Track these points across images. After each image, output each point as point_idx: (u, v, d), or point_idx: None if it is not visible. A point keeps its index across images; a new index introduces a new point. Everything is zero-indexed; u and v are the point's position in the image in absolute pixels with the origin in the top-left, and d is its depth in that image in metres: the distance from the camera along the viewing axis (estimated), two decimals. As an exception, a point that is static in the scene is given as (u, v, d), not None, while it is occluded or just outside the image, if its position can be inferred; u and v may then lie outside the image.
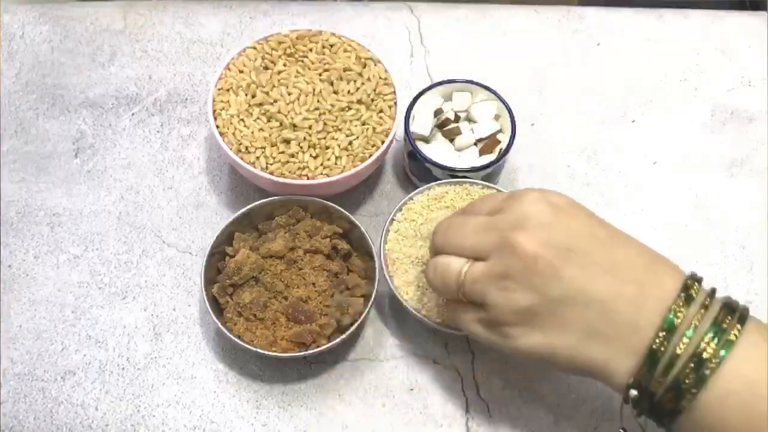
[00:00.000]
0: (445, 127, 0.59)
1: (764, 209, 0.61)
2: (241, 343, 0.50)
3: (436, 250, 0.46)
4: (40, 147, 0.63)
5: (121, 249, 0.58)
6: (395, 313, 0.56)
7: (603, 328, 0.39)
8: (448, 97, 0.61)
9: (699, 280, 0.41)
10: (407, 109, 0.59)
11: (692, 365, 0.37)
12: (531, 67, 0.69)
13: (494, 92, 0.59)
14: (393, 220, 0.55)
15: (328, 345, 0.50)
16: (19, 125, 0.64)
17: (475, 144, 0.59)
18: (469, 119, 0.60)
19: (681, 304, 0.39)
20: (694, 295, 0.39)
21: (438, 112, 0.59)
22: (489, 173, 0.57)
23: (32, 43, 0.69)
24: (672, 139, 0.65)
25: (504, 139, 0.58)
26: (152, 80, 0.67)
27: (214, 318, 0.50)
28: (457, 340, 0.55)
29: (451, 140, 0.59)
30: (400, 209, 0.55)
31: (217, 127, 0.56)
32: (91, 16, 0.70)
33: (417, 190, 0.56)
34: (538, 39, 0.71)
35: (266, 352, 0.50)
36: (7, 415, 0.51)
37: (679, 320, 0.38)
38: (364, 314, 0.51)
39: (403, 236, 0.54)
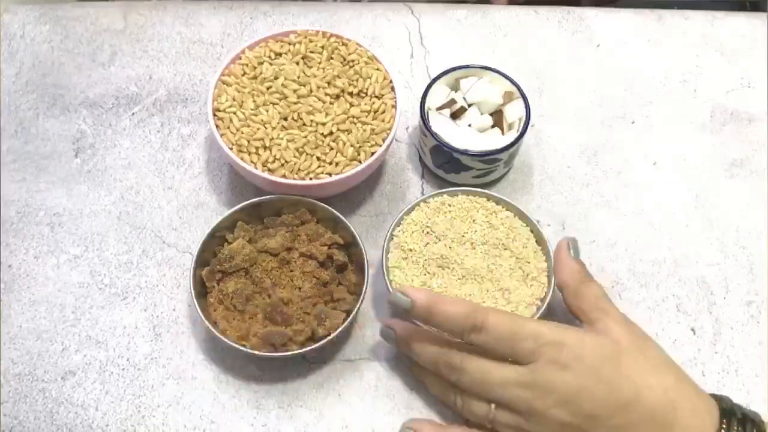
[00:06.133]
0: (460, 116, 0.59)
1: (764, 209, 0.62)
2: (211, 328, 0.50)
3: (456, 381, 0.48)
4: (40, 147, 0.63)
5: (121, 249, 0.58)
6: (395, 314, 0.56)
7: None
8: (454, 87, 0.61)
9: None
10: (421, 106, 0.59)
11: None
12: (531, 68, 0.69)
13: (498, 71, 0.60)
14: (393, 236, 0.55)
15: (297, 352, 0.50)
16: (19, 125, 0.64)
17: (492, 126, 0.59)
18: (478, 102, 0.60)
19: None
20: None
21: (451, 103, 0.59)
22: (512, 151, 0.58)
23: (32, 42, 0.69)
24: (672, 140, 0.65)
25: (516, 111, 0.59)
26: (152, 80, 0.67)
27: (195, 302, 0.51)
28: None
29: (456, 118, 0.59)
30: (398, 224, 0.55)
31: (217, 127, 0.56)
32: (91, 16, 0.70)
33: (411, 204, 0.56)
34: (538, 40, 0.71)
35: (232, 343, 0.50)
36: (7, 416, 0.51)
37: None
38: (339, 329, 0.51)
39: (404, 250, 0.54)
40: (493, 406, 0.46)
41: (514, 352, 0.45)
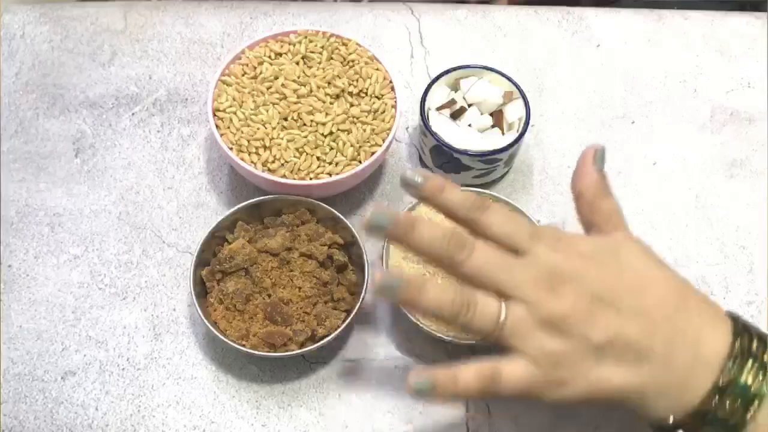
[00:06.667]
0: (460, 116, 0.59)
1: (764, 209, 0.62)
2: (211, 328, 0.50)
3: (456, 271, 0.43)
4: (40, 147, 0.63)
5: (121, 249, 0.58)
6: (395, 313, 0.56)
7: (642, 370, 0.41)
8: (454, 87, 0.61)
9: (746, 328, 0.42)
10: (421, 106, 0.59)
11: (740, 403, 0.39)
12: (531, 68, 0.69)
13: (497, 71, 0.60)
14: None
15: (297, 352, 0.50)
16: (20, 125, 0.64)
17: (492, 126, 0.59)
18: (478, 102, 0.60)
19: (735, 356, 0.40)
20: (746, 345, 0.40)
21: (451, 103, 0.59)
22: (512, 151, 0.58)
23: (32, 42, 0.69)
24: (672, 140, 0.65)
25: (516, 111, 0.59)
26: (152, 80, 0.67)
27: (195, 302, 0.51)
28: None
29: (456, 118, 0.59)
30: None
31: (217, 127, 0.56)
32: (91, 16, 0.70)
33: (412, 204, 0.56)
34: (538, 40, 0.71)
35: (232, 343, 0.50)
36: (7, 416, 0.51)
37: (731, 375, 0.40)
38: (339, 329, 0.51)
39: (405, 250, 0.54)
40: (503, 304, 0.42)
41: (515, 232, 0.43)
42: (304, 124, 0.56)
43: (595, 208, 0.46)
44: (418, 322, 0.51)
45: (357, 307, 0.51)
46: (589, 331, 0.41)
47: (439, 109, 0.59)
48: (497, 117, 0.59)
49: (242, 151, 0.55)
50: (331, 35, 0.60)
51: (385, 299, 0.44)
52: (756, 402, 0.39)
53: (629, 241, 0.44)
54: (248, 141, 0.55)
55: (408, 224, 0.43)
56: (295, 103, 0.57)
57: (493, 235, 0.44)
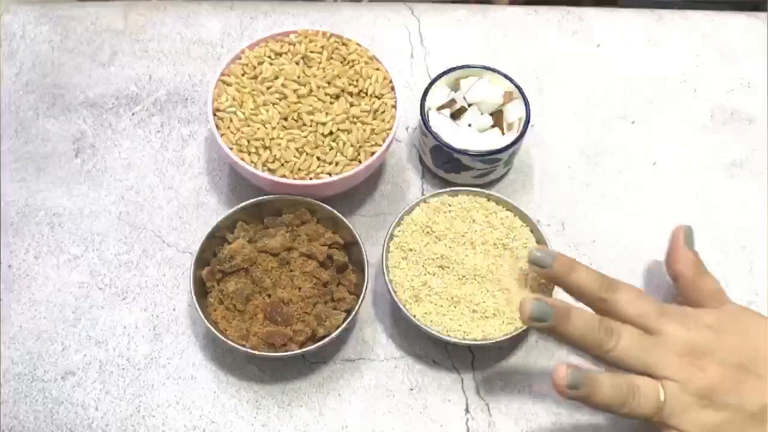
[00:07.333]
0: (460, 116, 0.59)
1: (764, 209, 0.62)
2: (211, 328, 0.50)
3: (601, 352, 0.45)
4: (40, 147, 0.63)
5: (121, 249, 0.58)
6: (395, 314, 0.56)
7: None
8: (454, 87, 0.61)
9: None
10: (421, 106, 0.59)
11: None
12: (531, 68, 0.69)
13: (497, 71, 0.60)
14: (393, 235, 0.55)
15: (297, 352, 0.50)
16: (19, 125, 0.64)
17: (492, 126, 0.59)
18: (478, 102, 0.60)
19: None
20: None
21: (451, 103, 0.59)
22: (512, 151, 0.58)
23: (32, 42, 0.69)
24: (672, 140, 0.65)
25: (516, 111, 0.59)
26: (152, 80, 0.67)
27: (195, 302, 0.51)
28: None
29: (456, 118, 0.59)
30: (398, 223, 0.55)
31: (217, 127, 0.56)
32: (91, 16, 0.70)
33: (412, 204, 0.56)
34: (538, 40, 0.71)
35: (232, 343, 0.50)
36: (7, 416, 0.51)
37: None
38: (339, 329, 0.51)
39: (404, 250, 0.54)
40: (660, 385, 0.43)
41: (646, 312, 0.45)
42: (304, 124, 0.56)
43: (697, 288, 0.48)
44: (418, 322, 0.51)
45: (357, 307, 0.51)
46: (742, 399, 0.42)
47: (439, 109, 0.59)
48: (497, 117, 0.59)
49: (242, 151, 0.55)
50: (331, 35, 0.60)
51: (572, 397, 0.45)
52: None
53: (744, 310, 0.46)
54: (248, 141, 0.55)
55: (564, 316, 0.45)
56: (295, 103, 0.57)
57: (624, 314, 0.45)
